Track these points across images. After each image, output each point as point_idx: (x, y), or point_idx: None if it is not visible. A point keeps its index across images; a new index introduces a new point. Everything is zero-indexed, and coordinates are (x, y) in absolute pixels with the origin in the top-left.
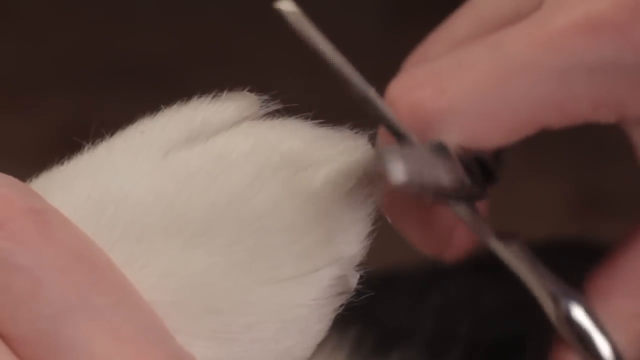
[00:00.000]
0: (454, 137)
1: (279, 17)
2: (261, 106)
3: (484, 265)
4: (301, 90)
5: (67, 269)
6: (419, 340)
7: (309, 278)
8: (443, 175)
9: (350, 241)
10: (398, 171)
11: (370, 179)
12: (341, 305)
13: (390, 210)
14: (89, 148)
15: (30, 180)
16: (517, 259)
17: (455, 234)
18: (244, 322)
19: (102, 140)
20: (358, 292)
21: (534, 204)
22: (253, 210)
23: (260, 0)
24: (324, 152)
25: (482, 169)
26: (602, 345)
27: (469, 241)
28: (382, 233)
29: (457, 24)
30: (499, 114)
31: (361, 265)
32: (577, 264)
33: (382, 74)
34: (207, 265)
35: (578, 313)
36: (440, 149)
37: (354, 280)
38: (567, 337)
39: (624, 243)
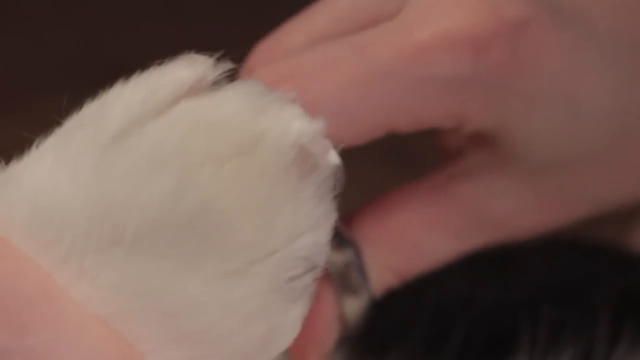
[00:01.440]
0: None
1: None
2: (211, 70)
3: (479, 264)
4: None
5: None
6: (415, 339)
7: (262, 265)
8: None
9: (303, 219)
10: (333, 153)
11: (308, 151)
12: (314, 280)
13: None
14: (37, 144)
15: None
16: None
17: None
18: (204, 321)
19: None
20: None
21: None
22: (186, 207)
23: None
24: (258, 129)
25: None
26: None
27: None
28: None
29: (315, 18)
30: (357, 115)
31: (332, 239)
32: (569, 264)
33: None
34: (154, 271)
35: (346, 255)
36: None
37: (321, 257)
38: (336, 279)
39: (403, 195)
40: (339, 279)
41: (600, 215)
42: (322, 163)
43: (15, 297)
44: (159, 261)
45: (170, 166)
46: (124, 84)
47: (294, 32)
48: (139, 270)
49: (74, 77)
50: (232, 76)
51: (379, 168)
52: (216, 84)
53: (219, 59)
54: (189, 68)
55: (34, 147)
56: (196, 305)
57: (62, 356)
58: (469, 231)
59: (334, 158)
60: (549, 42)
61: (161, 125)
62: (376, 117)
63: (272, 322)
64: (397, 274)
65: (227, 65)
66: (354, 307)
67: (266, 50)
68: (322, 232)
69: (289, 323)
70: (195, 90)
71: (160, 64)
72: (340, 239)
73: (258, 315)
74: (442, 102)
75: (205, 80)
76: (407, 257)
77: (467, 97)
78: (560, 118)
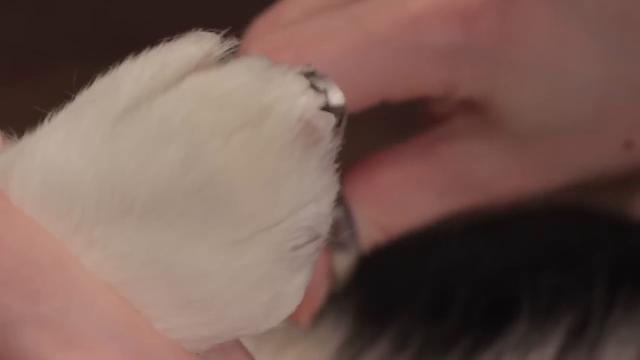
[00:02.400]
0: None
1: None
2: (219, 47)
3: (481, 230)
4: None
5: (10, 279)
6: (419, 304)
7: (268, 235)
8: None
9: (307, 190)
10: (337, 93)
11: (313, 125)
12: (317, 250)
13: None
14: (50, 118)
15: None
16: None
17: None
18: (211, 288)
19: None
20: (359, 264)
21: None
22: (194, 179)
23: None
24: (265, 103)
25: None
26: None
27: None
28: None
29: None
30: (353, 82)
31: (334, 209)
32: (569, 230)
33: None
34: (162, 240)
35: (337, 211)
36: None
37: (324, 227)
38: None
39: (390, 155)
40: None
41: (585, 182)
42: (326, 136)
43: (28, 266)
44: (168, 231)
45: (179, 139)
46: (134, 60)
47: (293, 4)
48: (148, 240)
49: (83, 48)
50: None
51: (386, 139)
52: (223, 60)
53: (225, 36)
54: (196, 45)
55: (46, 121)
56: (203, 273)
57: (73, 323)
58: (452, 191)
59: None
60: (536, 15)
61: (169, 100)
62: (371, 85)
63: (276, 289)
64: (383, 230)
65: (234, 42)
66: (344, 263)
67: (265, 22)
68: (325, 203)
69: (292, 291)
70: (202, 66)
71: (168, 40)
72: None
73: (263, 283)
74: (434, 70)
75: (213, 56)
76: (393, 214)
77: (457, 66)
78: (546, 88)
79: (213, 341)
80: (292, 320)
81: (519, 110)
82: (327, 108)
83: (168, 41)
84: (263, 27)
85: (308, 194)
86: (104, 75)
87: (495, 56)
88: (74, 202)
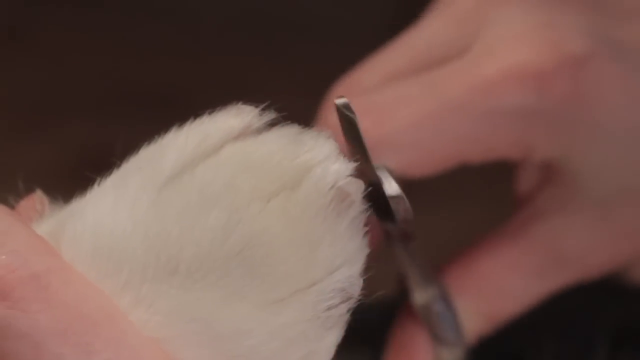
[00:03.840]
0: (392, 163)
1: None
2: (257, 118)
3: None
4: (313, 118)
5: (65, 331)
6: None
7: (304, 295)
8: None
9: (340, 252)
10: (392, 184)
11: (345, 191)
12: (348, 311)
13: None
14: (102, 178)
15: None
16: (406, 257)
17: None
18: (249, 344)
19: (114, 169)
20: (373, 318)
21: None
22: (235, 241)
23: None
24: (299, 169)
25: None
26: (450, 332)
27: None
28: (392, 259)
29: (391, 56)
30: (429, 147)
31: (367, 270)
32: (568, 294)
33: None
34: (205, 299)
35: (439, 305)
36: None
37: (356, 288)
38: (426, 322)
39: (485, 242)
40: (433, 328)
41: None
42: (357, 200)
43: (82, 319)
44: (210, 290)
45: (221, 203)
46: (178, 130)
47: (370, 70)
48: (191, 299)
49: (94, 103)
50: (275, 124)
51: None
52: (261, 131)
53: (263, 109)
54: (237, 117)
55: (95, 186)
56: (243, 330)
57: None
58: (549, 271)
59: (394, 189)
60: (608, 75)
61: (211, 166)
62: (447, 149)
63: (309, 347)
64: (487, 319)
65: (271, 114)
66: (452, 356)
67: (344, 88)
68: (357, 265)
69: (324, 349)
70: (242, 136)
71: (210, 111)
72: (434, 289)
73: (298, 340)
74: (509, 133)
75: (252, 127)
76: (494, 302)
77: (532, 127)
78: (622, 148)
79: None
80: None
81: (598, 171)
82: (385, 198)
83: (210, 113)
84: (341, 93)
85: (341, 256)
86: (149, 142)
87: (570, 117)
88: (122, 261)
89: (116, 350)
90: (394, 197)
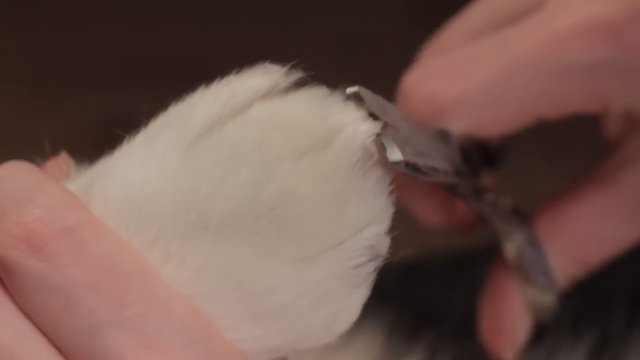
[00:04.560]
0: (461, 126)
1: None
2: (283, 78)
3: None
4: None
5: (97, 285)
6: (450, 321)
7: (333, 252)
8: (439, 158)
9: (368, 211)
10: (394, 151)
11: (371, 150)
12: (375, 269)
13: (396, 187)
14: (127, 141)
15: (77, 172)
16: (492, 209)
17: (458, 206)
18: (279, 301)
19: (140, 130)
20: (392, 278)
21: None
22: (266, 198)
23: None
24: (329, 129)
25: (486, 154)
26: (542, 278)
27: (471, 213)
28: (413, 221)
29: (471, 16)
30: (502, 105)
31: (390, 231)
32: None
33: (406, 68)
34: (235, 255)
35: (530, 252)
36: (442, 136)
37: (383, 246)
38: (517, 269)
39: (576, 189)
40: (522, 273)
41: None
42: (384, 160)
43: (114, 273)
44: (240, 247)
45: (251, 160)
46: (206, 89)
47: (453, 31)
48: (222, 255)
49: (116, 71)
50: (301, 84)
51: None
52: (287, 91)
53: (290, 68)
54: (264, 76)
55: (124, 144)
56: (272, 287)
57: (154, 328)
58: (639, 216)
59: (396, 155)
60: None
61: (241, 124)
62: (520, 107)
63: (337, 305)
64: (579, 263)
65: (298, 74)
66: (544, 299)
67: (429, 49)
68: (384, 224)
69: (351, 307)
70: (269, 95)
71: (237, 71)
72: (522, 234)
73: (326, 298)
74: (582, 87)
75: (278, 87)
76: (587, 246)
77: (606, 80)
78: None
79: (274, 353)
80: (496, 354)
81: None
82: (386, 164)
83: (237, 72)
84: (426, 54)
85: (368, 214)
86: (177, 102)
87: None
88: (152, 218)
89: (148, 304)
90: (395, 163)
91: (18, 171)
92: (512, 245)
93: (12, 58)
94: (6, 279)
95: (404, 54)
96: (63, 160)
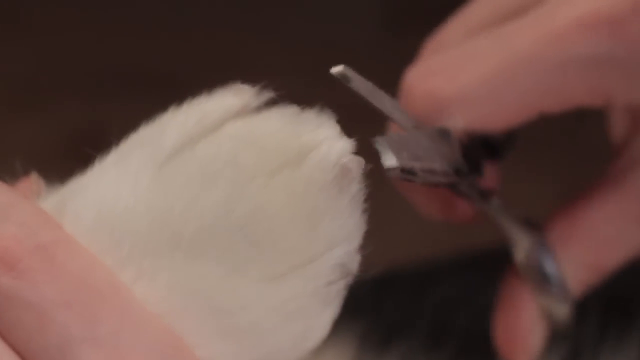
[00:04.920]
0: (462, 121)
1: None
2: (255, 98)
3: (475, 265)
4: (304, 95)
5: (71, 301)
6: (418, 333)
7: (305, 270)
8: (438, 159)
9: (340, 229)
10: (389, 157)
11: (346, 168)
12: (346, 288)
13: (396, 182)
14: (100, 157)
15: (46, 193)
16: (499, 214)
17: (458, 202)
18: (250, 318)
19: (112, 148)
20: (363, 292)
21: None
22: (239, 215)
23: (267, 8)
24: (302, 146)
25: (491, 147)
26: (555, 286)
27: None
28: (383, 236)
29: (473, 12)
30: (503, 100)
31: (361, 249)
32: None
33: (382, 74)
34: (207, 273)
35: (540, 259)
36: (442, 134)
37: (354, 264)
38: (529, 277)
39: (587, 194)
40: (536, 282)
41: None
42: (357, 178)
43: (87, 290)
44: (212, 264)
45: (223, 178)
46: (177, 108)
47: (456, 26)
48: (194, 273)
49: (87, 83)
50: (273, 104)
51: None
52: (259, 110)
53: (262, 88)
54: (236, 95)
55: (95, 164)
56: (243, 304)
57: (126, 345)
58: None
59: (391, 161)
60: None
61: (213, 143)
62: (522, 101)
63: (308, 322)
64: (593, 269)
65: (269, 93)
66: (559, 309)
67: (430, 45)
68: (356, 241)
69: (321, 324)
70: (241, 115)
71: (208, 91)
72: (530, 240)
73: (297, 315)
74: (585, 81)
75: (250, 106)
76: (599, 251)
77: (608, 75)
78: None
79: None
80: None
81: None
82: (384, 170)
83: (207, 92)
84: (426, 50)
85: (341, 232)
86: (145, 121)
87: None
88: (124, 236)
89: (120, 321)
90: (390, 169)
91: None
92: (521, 251)
93: None
94: None
95: (380, 60)
96: (34, 180)
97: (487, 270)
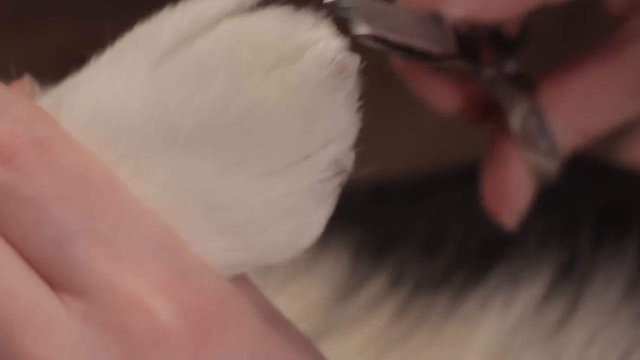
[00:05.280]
0: (460, 11)
1: None
2: None
3: (472, 173)
4: None
5: (68, 195)
6: (414, 242)
7: (300, 166)
8: (422, 38)
9: (336, 126)
10: (360, 25)
11: (343, 65)
12: (340, 185)
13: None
14: (94, 60)
15: (43, 94)
16: (494, 83)
17: (462, 88)
18: (246, 215)
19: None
20: (358, 201)
21: None
22: (236, 111)
23: None
24: (299, 43)
25: (503, 42)
26: (546, 143)
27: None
28: (379, 146)
29: None
30: None
31: (355, 146)
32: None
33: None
34: (203, 169)
35: (533, 120)
36: (434, 19)
37: (348, 161)
38: (522, 139)
39: (580, 60)
40: (525, 141)
41: None
42: (353, 75)
43: (84, 184)
44: (208, 160)
45: (220, 74)
46: (172, 8)
47: None
48: (189, 169)
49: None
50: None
51: None
52: (253, 10)
53: None
54: None
55: (91, 62)
56: (239, 200)
57: (123, 240)
58: None
59: (362, 29)
60: None
61: (209, 40)
62: None
63: (302, 219)
64: (580, 132)
65: None
66: (547, 164)
67: None
68: (351, 139)
69: (316, 221)
70: (236, 14)
71: None
72: (526, 104)
73: (292, 212)
74: None
75: (244, 6)
76: (587, 117)
77: None
78: None
79: (239, 268)
80: (499, 221)
81: None
82: (352, 37)
83: None
84: None
85: (336, 128)
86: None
87: None
88: (120, 132)
89: (117, 215)
90: (361, 36)
91: None
92: (517, 115)
93: None
94: None
95: None
96: (27, 82)
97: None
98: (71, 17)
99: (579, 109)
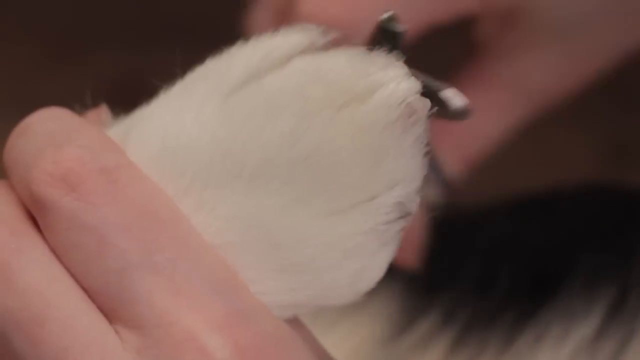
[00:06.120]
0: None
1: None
2: (319, 37)
3: (524, 208)
4: None
5: (131, 226)
6: (466, 278)
7: (364, 207)
8: None
9: (402, 168)
10: (459, 97)
11: (413, 108)
12: (403, 228)
13: None
14: (164, 91)
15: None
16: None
17: None
18: (307, 253)
19: (155, 94)
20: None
21: (565, 154)
22: (303, 148)
23: None
24: (370, 83)
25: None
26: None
27: None
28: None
29: None
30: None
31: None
32: (608, 207)
33: None
34: (267, 206)
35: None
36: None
37: (413, 205)
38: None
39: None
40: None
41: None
42: (422, 119)
43: (147, 216)
44: (273, 197)
45: (289, 110)
46: (244, 44)
47: None
48: (253, 205)
49: (126, 34)
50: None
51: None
52: (325, 49)
53: (326, 29)
54: (302, 33)
55: (160, 94)
56: (302, 239)
57: (182, 275)
58: (515, 104)
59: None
60: None
61: (279, 76)
62: (418, 15)
63: (365, 261)
64: (462, 160)
65: (335, 34)
66: (436, 195)
67: None
68: (417, 182)
69: (377, 264)
70: (307, 52)
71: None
72: None
73: (355, 253)
74: None
75: (316, 45)
76: (466, 142)
77: None
78: None
79: (297, 309)
80: (402, 263)
81: (550, 5)
82: (451, 114)
83: (272, 32)
84: None
85: (403, 171)
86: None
87: None
88: (186, 165)
89: (178, 250)
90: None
91: (58, 115)
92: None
93: (23, 20)
94: (40, 217)
95: None
96: (102, 110)
97: (534, 213)
98: (119, 49)
99: (454, 137)
